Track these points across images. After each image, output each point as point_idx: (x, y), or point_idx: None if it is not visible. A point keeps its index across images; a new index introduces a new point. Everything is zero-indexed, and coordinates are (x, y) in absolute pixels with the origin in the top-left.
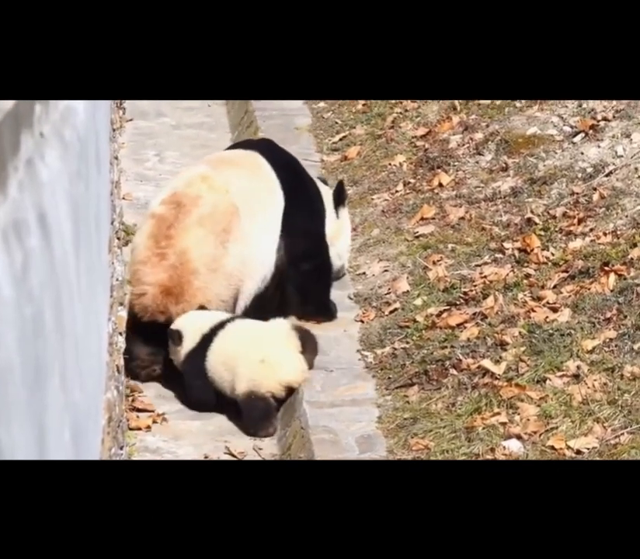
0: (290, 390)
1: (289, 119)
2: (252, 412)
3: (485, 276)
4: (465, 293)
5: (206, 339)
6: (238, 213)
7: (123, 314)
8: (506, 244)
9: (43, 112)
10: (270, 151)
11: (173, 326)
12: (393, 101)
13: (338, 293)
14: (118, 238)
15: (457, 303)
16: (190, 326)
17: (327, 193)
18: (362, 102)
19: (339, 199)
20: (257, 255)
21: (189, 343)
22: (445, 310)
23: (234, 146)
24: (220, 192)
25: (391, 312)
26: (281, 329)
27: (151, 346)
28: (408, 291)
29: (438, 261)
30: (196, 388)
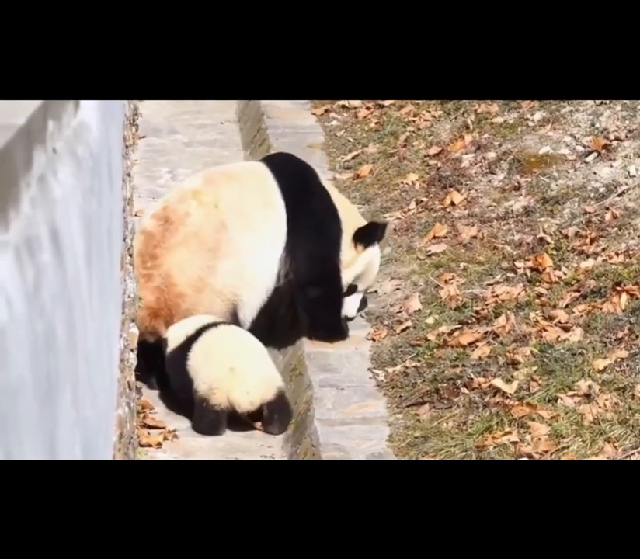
0: (263, 405)
1: (301, 137)
2: (200, 419)
3: (497, 295)
4: (477, 312)
5: (190, 341)
6: (227, 228)
7: (135, 330)
8: (518, 264)
9: (55, 129)
10: (281, 164)
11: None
12: (406, 120)
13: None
14: (130, 255)
15: (469, 321)
16: (178, 329)
17: (348, 211)
18: (375, 120)
19: (363, 237)
20: (253, 268)
21: (173, 344)
22: (457, 328)
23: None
24: (209, 207)
25: (402, 330)
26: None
27: (142, 366)
28: (419, 310)
29: (450, 279)
30: (177, 389)
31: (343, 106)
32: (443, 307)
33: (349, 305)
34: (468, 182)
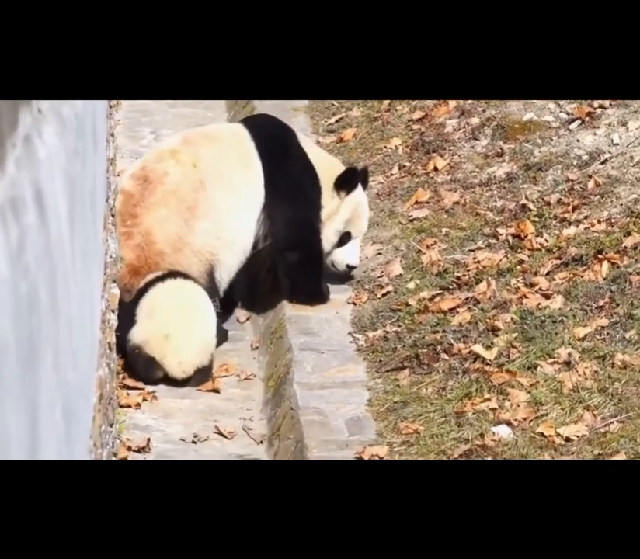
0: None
1: (285, 100)
2: (135, 364)
3: (479, 261)
4: (458, 278)
5: (140, 294)
6: (205, 187)
7: (116, 291)
8: (500, 230)
9: None
10: (260, 125)
11: None
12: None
13: (330, 275)
14: (112, 215)
15: (450, 287)
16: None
17: (329, 164)
18: None
19: (342, 183)
20: (231, 228)
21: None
22: (438, 294)
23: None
24: (187, 166)
25: (383, 295)
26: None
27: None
28: (401, 274)
29: (432, 245)
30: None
31: None
32: (425, 273)
33: (349, 253)
34: (451, 148)
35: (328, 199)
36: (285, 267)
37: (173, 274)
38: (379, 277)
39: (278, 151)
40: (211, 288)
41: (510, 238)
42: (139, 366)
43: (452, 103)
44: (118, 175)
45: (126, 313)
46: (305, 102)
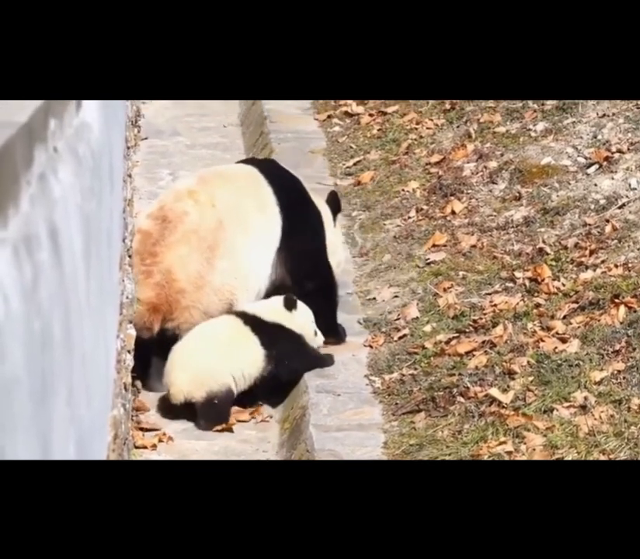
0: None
1: (304, 143)
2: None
3: (495, 305)
4: (475, 321)
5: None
6: (224, 227)
7: (132, 331)
8: (517, 274)
9: (57, 128)
10: (270, 168)
11: None
12: (408, 127)
13: (347, 318)
14: (129, 256)
15: (467, 330)
16: None
17: (326, 212)
18: (377, 127)
19: (334, 207)
20: (248, 268)
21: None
22: (454, 337)
23: (238, 162)
24: (206, 206)
25: (400, 338)
26: (230, 326)
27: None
28: (417, 317)
29: (448, 288)
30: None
31: (346, 112)
32: (441, 316)
33: None
34: (469, 191)
35: (329, 234)
36: (302, 297)
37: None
38: (396, 320)
39: (292, 191)
40: None
41: (527, 282)
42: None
43: (470, 147)
44: (135, 216)
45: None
46: (323, 145)
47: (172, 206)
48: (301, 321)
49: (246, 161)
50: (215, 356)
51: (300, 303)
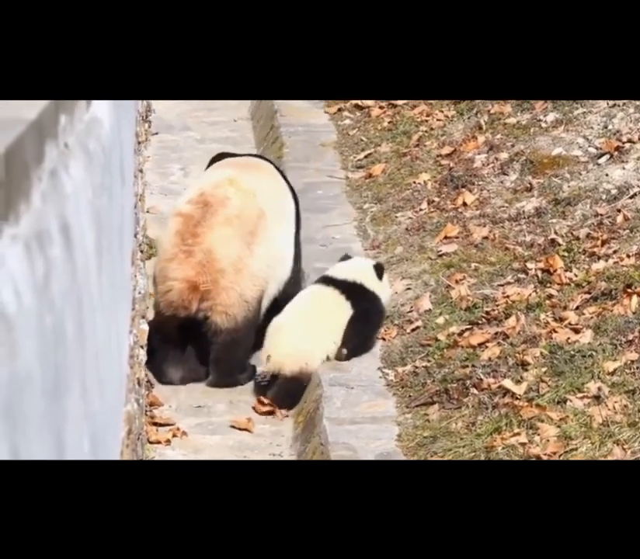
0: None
1: (314, 136)
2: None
3: (508, 296)
4: (487, 313)
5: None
6: (265, 216)
7: (145, 327)
8: (529, 265)
9: (67, 123)
10: (272, 163)
11: None
12: (418, 119)
13: None
14: (141, 251)
15: (479, 322)
16: None
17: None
18: (388, 119)
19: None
20: (280, 258)
21: None
22: (467, 329)
23: (226, 156)
24: (248, 194)
25: (412, 330)
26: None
27: (166, 345)
28: (430, 309)
29: (461, 280)
30: None
31: (356, 105)
32: (454, 307)
33: None
34: (480, 183)
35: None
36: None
37: (325, 281)
38: (408, 312)
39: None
40: (256, 316)
41: (539, 273)
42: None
43: (481, 138)
44: (147, 212)
45: None
46: (334, 138)
47: (213, 191)
48: (387, 291)
49: (252, 155)
50: (313, 334)
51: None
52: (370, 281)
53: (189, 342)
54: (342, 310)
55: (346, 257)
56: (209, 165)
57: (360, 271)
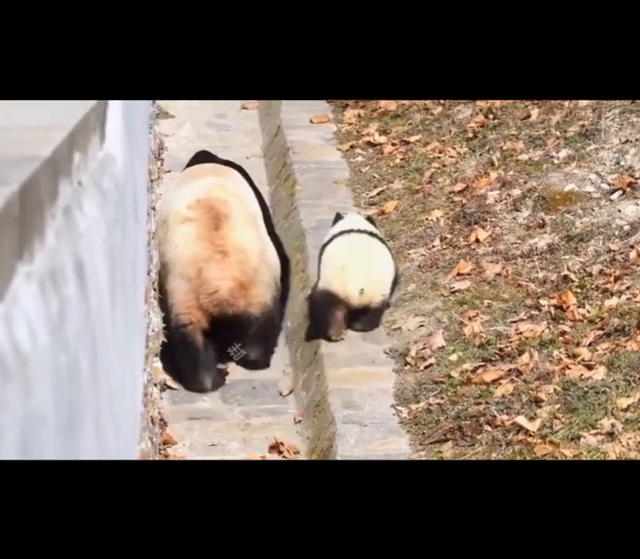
0: (368, 307)
1: (327, 173)
2: (314, 312)
3: (521, 333)
4: (500, 350)
5: (327, 243)
6: (256, 215)
7: (159, 364)
8: (542, 301)
9: (81, 161)
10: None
11: None
12: (431, 156)
13: (373, 348)
14: (154, 289)
15: (493, 359)
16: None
17: None
18: (400, 156)
19: None
20: (271, 252)
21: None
22: (480, 366)
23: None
24: (239, 198)
25: (426, 367)
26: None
27: (213, 346)
28: (443, 347)
29: (474, 317)
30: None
31: (369, 142)
32: (467, 344)
33: None
34: (493, 219)
35: None
36: None
37: (349, 231)
38: (421, 349)
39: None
40: (277, 297)
41: (552, 309)
42: (321, 311)
43: (493, 175)
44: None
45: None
46: (347, 175)
47: (210, 196)
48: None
49: (200, 159)
50: (380, 264)
51: None
52: (373, 227)
53: (219, 344)
54: (381, 247)
55: (339, 216)
56: (189, 163)
57: (364, 221)
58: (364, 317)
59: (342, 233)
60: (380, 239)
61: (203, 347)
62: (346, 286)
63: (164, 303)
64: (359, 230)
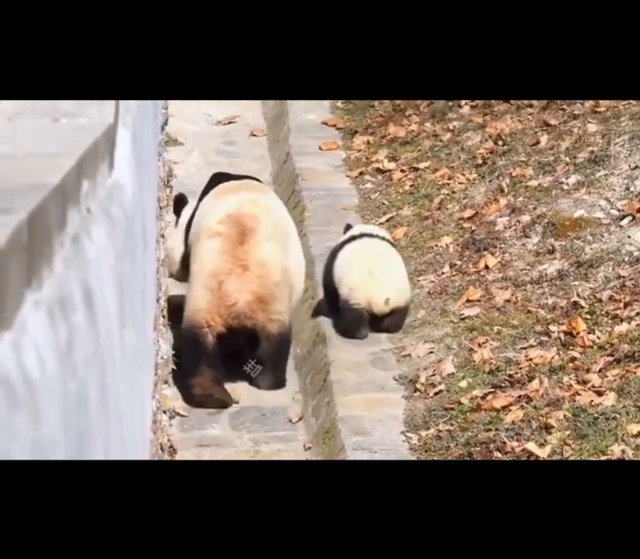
0: (393, 311)
1: (336, 200)
2: (344, 318)
3: (531, 359)
4: (510, 376)
5: (338, 248)
6: (286, 230)
7: (168, 392)
8: (552, 327)
9: (90, 189)
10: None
11: None
12: (440, 183)
13: (383, 375)
14: (163, 316)
15: (502, 385)
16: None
17: None
18: (409, 183)
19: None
20: (299, 269)
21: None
22: (490, 392)
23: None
24: (271, 212)
25: (436, 394)
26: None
27: (220, 366)
28: (453, 373)
29: (483, 343)
30: (324, 287)
31: (378, 169)
32: (477, 371)
33: None
34: (502, 246)
35: None
36: None
37: (362, 235)
38: (431, 376)
39: None
40: (291, 318)
41: (562, 336)
42: (346, 322)
43: (502, 201)
44: (170, 276)
45: (326, 269)
46: (356, 202)
47: (240, 212)
48: None
49: (223, 177)
50: (400, 269)
51: None
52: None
53: (231, 349)
54: (395, 254)
55: (348, 226)
56: (208, 184)
57: (375, 228)
58: (388, 319)
59: (361, 236)
60: (392, 244)
61: (213, 347)
62: (373, 296)
63: (185, 306)
64: (373, 236)
